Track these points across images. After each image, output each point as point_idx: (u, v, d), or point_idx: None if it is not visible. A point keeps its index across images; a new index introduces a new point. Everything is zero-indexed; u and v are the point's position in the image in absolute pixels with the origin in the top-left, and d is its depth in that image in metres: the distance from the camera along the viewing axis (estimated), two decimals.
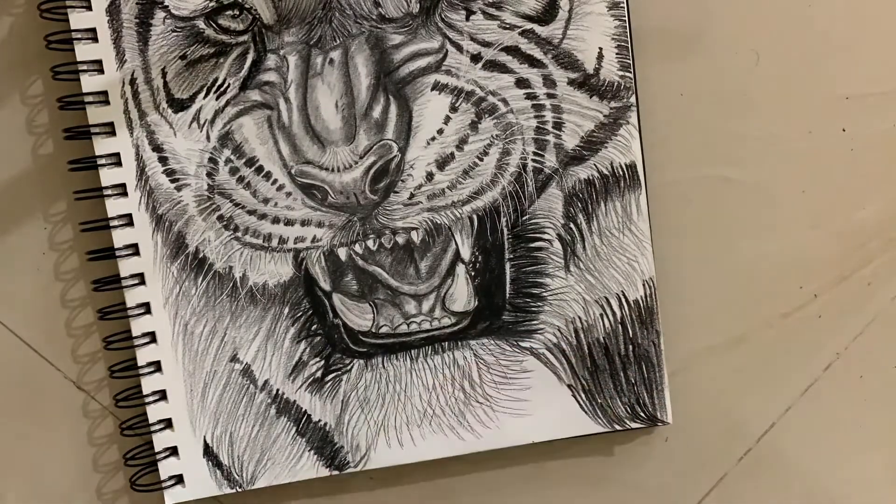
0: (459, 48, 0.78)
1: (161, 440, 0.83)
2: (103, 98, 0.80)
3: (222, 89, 0.79)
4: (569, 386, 0.82)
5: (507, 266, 0.81)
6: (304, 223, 0.79)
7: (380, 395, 0.82)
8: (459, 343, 0.81)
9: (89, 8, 0.79)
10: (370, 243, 0.80)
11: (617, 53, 0.78)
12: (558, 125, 0.79)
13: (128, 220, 0.81)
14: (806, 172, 0.82)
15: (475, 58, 0.78)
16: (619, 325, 0.81)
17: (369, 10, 0.78)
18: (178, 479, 0.83)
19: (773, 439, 0.84)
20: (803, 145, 0.82)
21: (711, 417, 0.84)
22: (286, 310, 0.82)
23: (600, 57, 0.78)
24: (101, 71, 0.80)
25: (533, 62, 0.78)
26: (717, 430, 0.85)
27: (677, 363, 0.83)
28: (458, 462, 0.82)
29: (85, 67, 0.80)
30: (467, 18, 0.78)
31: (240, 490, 0.83)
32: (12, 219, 0.83)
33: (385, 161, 0.78)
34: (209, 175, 0.80)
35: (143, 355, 0.82)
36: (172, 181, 0.80)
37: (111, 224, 0.81)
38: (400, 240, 0.80)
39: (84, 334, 0.85)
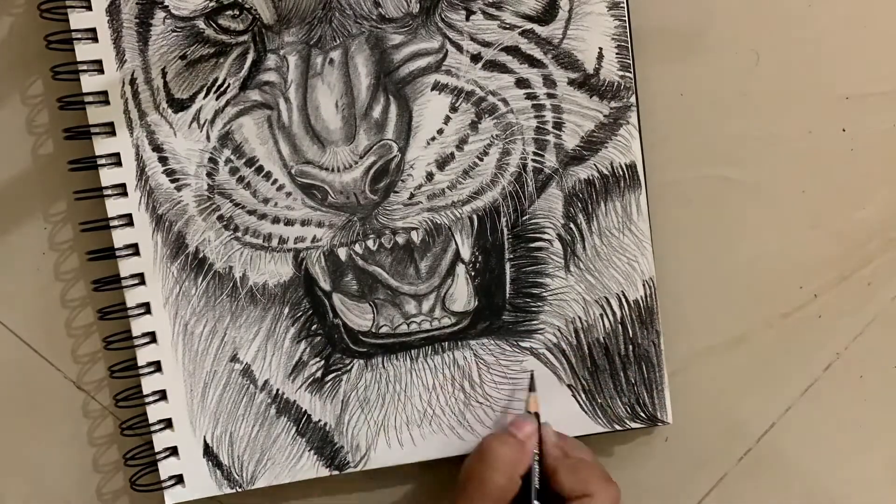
0: (459, 48, 0.78)
1: (161, 440, 0.83)
2: (103, 98, 0.80)
3: (222, 89, 0.79)
4: (569, 386, 0.82)
5: (507, 266, 0.81)
6: (304, 223, 0.79)
7: (380, 395, 0.82)
8: (459, 343, 0.81)
9: (89, 8, 0.79)
10: (370, 243, 0.80)
11: (617, 53, 0.78)
12: (558, 125, 0.79)
13: (128, 220, 0.81)
14: (806, 172, 0.82)
15: (475, 58, 0.78)
16: (619, 325, 0.81)
17: (369, 10, 0.78)
18: (179, 479, 0.83)
19: (773, 439, 0.84)
20: (803, 145, 0.82)
21: (711, 417, 0.84)
22: (286, 310, 0.82)
23: (600, 57, 0.78)
24: (101, 71, 0.80)
25: (533, 62, 0.78)
26: (717, 430, 0.85)
27: (677, 363, 0.83)
28: (458, 462, 0.82)
29: (85, 67, 0.80)
30: (467, 18, 0.78)
31: (240, 490, 0.83)
32: (12, 219, 0.83)
33: (385, 161, 0.78)
34: (209, 175, 0.80)
35: (143, 355, 0.82)
36: (172, 181, 0.80)
37: (111, 224, 0.81)
38: (400, 240, 0.80)
39: (84, 334, 0.85)
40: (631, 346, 0.81)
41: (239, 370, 0.82)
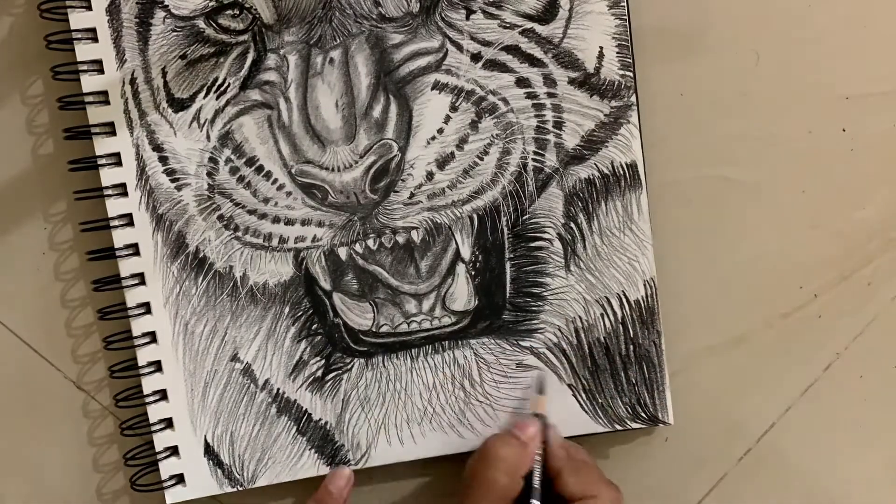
0: (459, 47, 0.78)
1: (162, 440, 0.83)
2: (103, 98, 0.80)
3: (222, 89, 0.79)
4: (569, 385, 0.82)
5: (508, 265, 0.81)
6: (304, 223, 0.79)
7: (380, 393, 0.82)
8: (460, 342, 0.81)
9: (89, 8, 0.79)
10: (370, 243, 0.80)
11: (617, 53, 0.79)
12: (559, 124, 0.79)
13: (128, 219, 0.81)
14: (806, 172, 0.82)
15: (475, 57, 0.78)
16: (620, 325, 0.81)
17: (369, 9, 0.78)
18: (179, 479, 0.83)
19: (773, 439, 0.84)
20: (803, 145, 0.82)
21: (711, 417, 0.84)
22: (287, 309, 0.82)
23: (601, 56, 0.78)
24: (101, 71, 0.80)
25: (533, 61, 0.78)
26: (717, 430, 0.85)
27: (677, 363, 0.83)
28: (458, 459, 0.82)
29: (85, 67, 0.80)
30: (467, 17, 0.78)
31: (241, 489, 0.83)
32: (12, 219, 0.84)
33: (385, 160, 0.78)
34: (209, 175, 0.80)
35: (144, 355, 0.82)
36: (173, 181, 0.80)
37: (111, 224, 0.81)
38: (400, 239, 0.80)
39: (84, 334, 0.85)
40: (632, 346, 0.81)
41: (239, 369, 0.82)
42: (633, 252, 0.80)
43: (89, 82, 0.80)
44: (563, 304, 0.81)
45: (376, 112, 0.78)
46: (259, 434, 0.83)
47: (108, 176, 0.81)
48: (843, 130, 0.82)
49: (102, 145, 0.80)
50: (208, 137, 0.80)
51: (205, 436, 0.83)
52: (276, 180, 0.79)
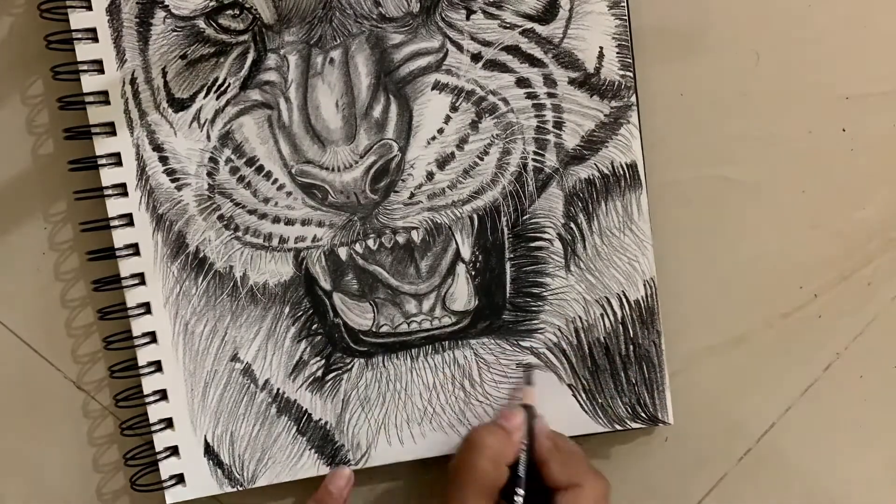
0: (460, 47, 0.78)
1: (162, 440, 0.83)
2: (104, 98, 0.80)
3: (223, 89, 0.79)
4: (569, 385, 0.82)
5: (508, 265, 0.81)
6: (304, 223, 0.79)
7: (380, 393, 0.82)
8: (460, 342, 0.81)
9: (89, 8, 0.79)
10: (370, 243, 0.80)
11: (618, 53, 0.79)
12: (559, 124, 0.79)
13: (128, 219, 0.81)
14: (806, 172, 0.82)
15: (475, 57, 0.78)
16: (620, 325, 0.81)
17: (370, 9, 0.78)
18: (179, 479, 0.83)
19: (773, 439, 0.84)
20: (803, 145, 0.82)
21: (711, 417, 0.84)
22: (287, 309, 0.82)
23: (601, 56, 0.78)
24: (101, 71, 0.80)
25: (533, 61, 0.78)
26: (717, 430, 0.85)
27: (677, 363, 0.83)
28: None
29: (85, 67, 0.80)
30: (468, 18, 0.78)
31: (241, 489, 0.83)
32: (12, 219, 0.84)
33: (385, 160, 0.78)
34: (209, 175, 0.80)
35: (144, 355, 0.82)
36: (173, 181, 0.80)
37: (111, 224, 0.81)
38: (400, 239, 0.80)
39: (84, 334, 0.85)
40: (631, 346, 0.81)
41: (239, 369, 0.82)
42: (633, 252, 0.80)
43: (89, 82, 0.80)
44: (563, 304, 0.81)
45: (376, 112, 0.78)
46: (259, 434, 0.83)
47: (109, 176, 0.81)
48: (843, 130, 0.82)
49: (102, 145, 0.80)
50: (208, 137, 0.80)
51: (205, 436, 0.83)
52: (276, 180, 0.79)
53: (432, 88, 0.78)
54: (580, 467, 0.77)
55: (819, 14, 0.81)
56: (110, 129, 0.80)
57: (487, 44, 0.78)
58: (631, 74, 0.79)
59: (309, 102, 0.78)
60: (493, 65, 0.78)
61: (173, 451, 0.83)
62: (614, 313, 0.81)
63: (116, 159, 0.80)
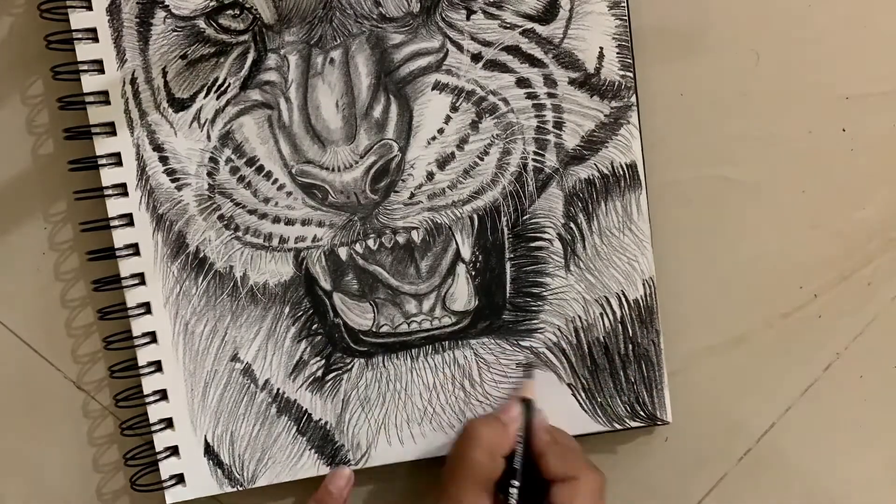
0: (460, 48, 0.78)
1: (162, 440, 0.83)
2: (104, 98, 0.80)
3: (223, 89, 0.79)
4: (569, 385, 0.82)
5: (508, 265, 0.81)
6: (304, 223, 0.79)
7: (380, 393, 0.82)
8: (460, 342, 0.81)
9: (90, 8, 0.79)
10: (371, 243, 0.80)
11: (618, 53, 0.79)
12: (559, 125, 0.79)
13: (128, 219, 0.81)
14: (806, 172, 0.82)
15: (476, 57, 0.78)
16: (619, 325, 0.81)
17: (370, 9, 0.78)
18: (179, 479, 0.83)
19: (773, 439, 0.84)
20: (803, 145, 0.82)
21: (711, 417, 0.84)
22: (287, 309, 0.82)
23: (601, 56, 0.78)
24: (101, 71, 0.80)
25: (533, 62, 0.78)
26: (717, 430, 0.85)
27: (677, 363, 0.83)
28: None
29: (85, 67, 0.80)
30: (468, 18, 0.78)
31: (241, 489, 0.83)
32: (12, 219, 0.84)
33: (385, 161, 0.78)
34: (210, 174, 0.80)
35: (144, 355, 0.82)
36: (173, 181, 0.80)
37: (112, 224, 0.81)
38: (400, 239, 0.80)
39: (84, 334, 0.85)
40: (631, 346, 0.81)
41: (240, 369, 0.82)
42: (632, 252, 0.80)
43: (90, 82, 0.80)
44: (563, 304, 0.81)
45: (377, 112, 0.78)
46: (259, 434, 0.83)
47: (109, 176, 0.81)
48: (843, 130, 0.82)
49: (103, 145, 0.80)
50: (209, 137, 0.80)
51: (205, 436, 0.83)
52: (276, 180, 0.79)
53: (432, 88, 0.78)
54: (577, 461, 0.77)
55: (819, 14, 0.81)
56: (110, 129, 0.80)
57: (488, 44, 0.78)
58: (631, 75, 0.79)
59: (309, 102, 0.78)
60: (494, 65, 0.78)
61: (173, 451, 0.83)
62: (614, 313, 0.81)
63: (117, 159, 0.80)
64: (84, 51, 0.80)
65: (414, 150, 0.78)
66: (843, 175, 0.83)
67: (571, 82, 0.79)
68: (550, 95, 0.79)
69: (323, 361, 0.82)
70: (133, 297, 0.82)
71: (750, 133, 0.82)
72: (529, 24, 0.78)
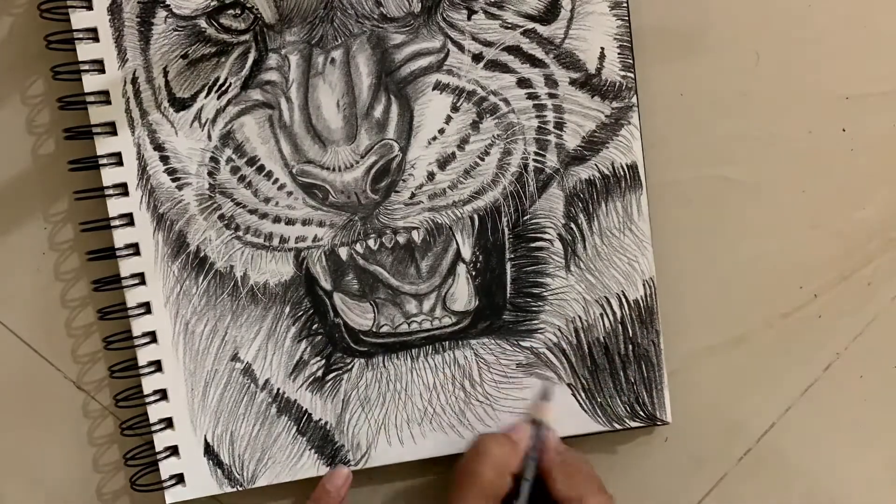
0: (461, 48, 0.78)
1: (162, 439, 0.83)
2: (105, 97, 0.80)
3: (224, 88, 0.79)
4: (569, 385, 0.82)
5: (508, 266, 0.81)
6: (305, 222, 0.79)
7: (380, 393, 0.82)
8: (460, 342, 0.81)
9: (90, 7, 0.79)
10: (371, 243, 0.80)
11: (619, 53, 0.79)
12: (560, 125, 0.79)
13: (129, 219, 0.81)
14: (806, 172, 0.83)
15: (477, 57, 0.78)
16: (619, 325, 0.81)
17: (371, 9, 0.78)
18: (179, 479, 0.83)
19: (773, 439, 0.85)
20: (803, 145, 0.82)
21: (711, 417, 0.84)
22: (287, 309, 0.82)
23: (602, 57, 0.78)
24: (102, 70, 0.80)
25: (534, 62, 0.78)
26: (717, 430, 0.85)
27: (677, 363, 0.83)
28: (458, 460, 0.82)
29: (86, 67, 0.80)
30: (469, 18, 0.78)
31: (240, 489, 0.83)
32: (12, 219, 0.83)
33: (386, 161, 0.78)
34: (210, 174, 0.80)
35: (144, 355, 0.82)
36: (174, 180, 0.80)
37: (112, 223, 0.81)
38: (401, 239, 0.80)
39: (84, 334, 0.85)
40: (631, 346, 0.81)
41: (240, 369, 0.82)
42: (632, 252, 0.80)
43: (90, 82, 0.80)
44: (563, 305, 0.81)
45: (377, 112, 0.78)
46: (259, 434, 0.83)
47: (109, 175, 0.81)
48: (843, 130, 0.82)
49: (103, 145, 0.80)
50: (209, 137, 0.80)
51: (205, 436, 0.83)
52: (277, 180, 0.79)
53: (433, 88, 0.78)
54: (586, 483, 0.77)
55: (819, 14, 0.82)
56: (111, 129, 0.80)
57: (489, 44, 0.78)
58: (632, 75, 0.79)
59: (310, 102, 0.78)
60: (495, 65, 0.78)
61: (173, 451, 0.83)
62: (614, 313, 0.81)
63: (117, 159, 0.80)
64: (85, 50, 0.80)
65: (415, 150, 0.78)
66: (843, 175, 0.83)
67: (572, 83, 0.79)
68: (551, 96, 0.79)
69: (323, 361, 0.82)
70: (133, 296, 0.82)
71: (750, 133, 0.82)
72: (530, 25, 0.78)
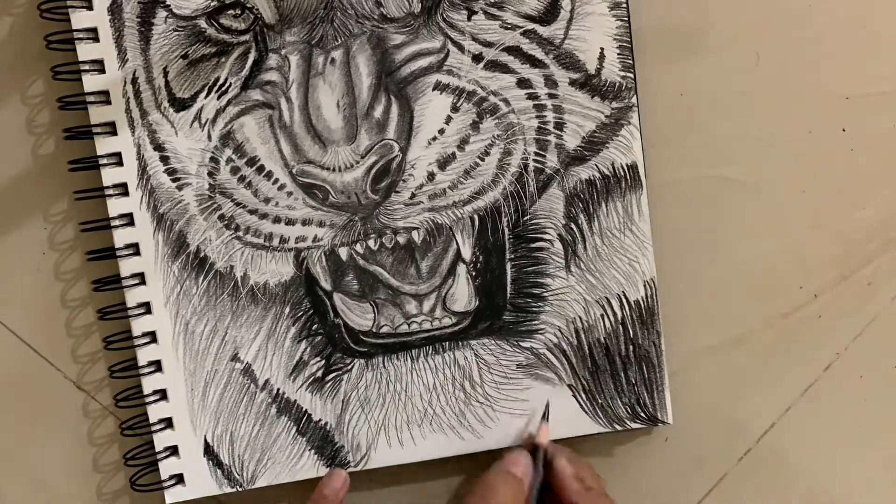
0: (461, 48, 0.78)
1: (161, 440, 0.83)
2: (105, 97, 0.80)
3: (224, 89, 0.79)
4: (569, 386, 0.82)
5: (508, 266, 0.81)
6: (305, 223, 0.79)
7: (380, 394, 0.82)
8: (460, 343, 0.81)
9: (90, 7, 0.79)
10: (371, 243, 0.80)
11: (618, 54, 0.79)
12: (560, 125, 0.79)
13: (129, 219, 0.81)
14: (806, 172, 0.83)
15: (477, 58, 0.78)
16: (620, 326, 0.81)
17: (371, 9, 0.78)
18: (179, 479, 0.83)
19: (773, 439, 0.85)
20: (803, 145, 0.82)
21: (711, 417, 0.84)
22: (287, 309, 0.82)
23: (602, 57, 0.78)
24: (102, 70, 0.80)
25: (534, 62, 0.78)
26: (717, 430, 0.85)
27: (677, 363, 0.83)
28: (458, 461, 0.82)
29: (86, 67, 0.80)
30: (469, 18, 0.78)
31: (240, 489, 0.83)
32: (12, 219, 0.83)
33: (386, 161, 0.78)
34: (210, 174, 0.80)
35: (144, 355, 0.82)
36: (174, 180, 0.80)
37: (112, 223, 0.81)
38: (401, 239, 0.80)
39: (84, 334, 0.85)
40: (631, 347, 0.81)
41: (240, 369, 0.82)
42: (633, 253, 0.80)
43: (91, 82, 0.80)
44: (564, 305, 0.81)
45: (377, 112, 0.78)
46: (259, 434, 0.83)
47: (109, 175, 0.80)
48: (843, 130, 0.82)
49: (103, 145, 0.80)
50: (209, 137, 0.80)
51: (205, 436, 0.83)
52: (277, 180, 0.79)
53: (433, 89, 0.78)
54: None
55: (819, 14, 0.82)
56: (111, 129, 0.80)
57: (489, 44, 0.78)
58: (632, 76, 0.79)
59: (310, 102, 0.78)
60: (495, 65, 0.78)
61: (173, 451, 0.83)
62: (614, 314, 0.81)
63: (117, 159, 0.80)
64: (85, 50, 0.79)
65: (415, 150, 0.78)
66: (843, 175, 0.83)
67: (572, 83, 0.79)
68: (551, 96, 0.79)
69: (323, 362, 0.82)
70: (133, 296, 0.82)
71: (750, 133, 0.82)
72: (530, 25, 0.78)
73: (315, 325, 0.82)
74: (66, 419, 0.85)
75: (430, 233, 0.80)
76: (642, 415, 0.82)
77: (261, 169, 0.79)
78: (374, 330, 0.81)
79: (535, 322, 0.81)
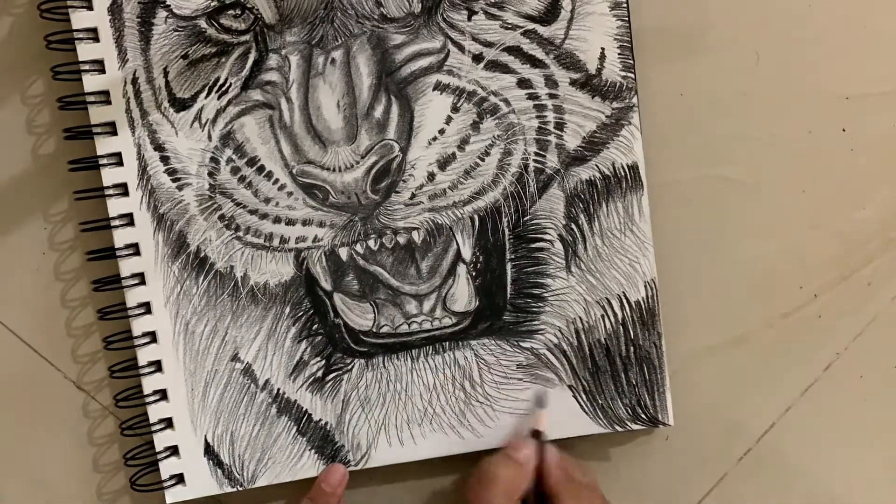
0: (461, 48, 0.78)
1: (162, 439, 0.83)
2: (105, 97, 0.80)
3: (224, 89, 0.79)
4: (570, 386, 0.82)
5: (509, 266, 0.81)
6: (305, 223, 0.79)
7: (380, 394, 0.82)
8: (460, 343, 0.81)
9: (90, 7, 0.79)
10: (371, 243, 0.80)
11: (619, 54, 0.78)
12: (560, 125, 0.79)
13: (129, 219, 0.81)
14: (806, 172, 0.83)
15: (477, 58, 0.78)
16: (621, 326, 0.81)
17: (371, 9, 0.78)
18: (179, 479, 0.83)
19: (773, 439, 0.85)
20: (803, 145, 0.82)
21: (711, 417, 0.84)
22: (287, 309, 0.82)
23: (602, 57, 0.78)
24: (102, 70, 0.80)
25: (535, 62, 0.78)
26: (717, 430, 0.85)
27: (677, 363, 0.83)
28: (458, 461, 0.82)
29: (86, 67, 0.80)
30: (469, 18, 0.78)
31: (240, 489, 0.83)
32: (12, 219, 0.83)
33: (386, 161, 0.78)
34: (210, 174, 0.80)
35: (144, 355, 0.82)
36: (174, 180, 0.80)
37: (112, 223, 0.81)
38: (401, 240, 0.80)
39: (84, 334, 0.85)
40: (632, 348, 0.81)
41: (240, 369, 0.82)
42: (633, 253, 0.80)
43: (91, 82, 0.80)
44: (564, 305, 0.81)
45: (378, 112, 0.78)
46: (259, 434, 0.83)
47: (109, 176, 0.80)
48: (843, 130, 0.82)
49: (104, 145, 0.80)
50: (210, 137, 0.80)
51: (205, 436, 0.83)
52: (277, 180, 0.79)
53: (433, 89, 0.78)
54: (591, 500, 0.77)
55: (819, 14, 0.82)
56: (111, 129, 0.80)
57: (489, 44, 0.78)
58: (632, 75, 0.79)
59: (310, 103, 0.78)
60: (495, 65, 0.78)
61: (173, 451, 0.83)
62: (615, 314, 0.81)
63: (117, 159, 0.80)
64: (85, 50, 0.79)
65: (415, 150, 0.78)
66: (843, 175, 0.83)
67: (573, 83, 0.79)
68: (552, 96, 0.78)
69: (323, 362, 0.82)
70: (133, 296, 0.82)
71: (750, 133, 0.82)
72: (531, 25, 0.78)
73: (315, 325, 0.82)
74: (66, 419, 0.85)
75: (431, 233, 0.80)
76: (643, 416, 0.82)
77: (261, 169, 0.79)
78: (374, 330, 0.81)
79: (536, 322, 0.81)
